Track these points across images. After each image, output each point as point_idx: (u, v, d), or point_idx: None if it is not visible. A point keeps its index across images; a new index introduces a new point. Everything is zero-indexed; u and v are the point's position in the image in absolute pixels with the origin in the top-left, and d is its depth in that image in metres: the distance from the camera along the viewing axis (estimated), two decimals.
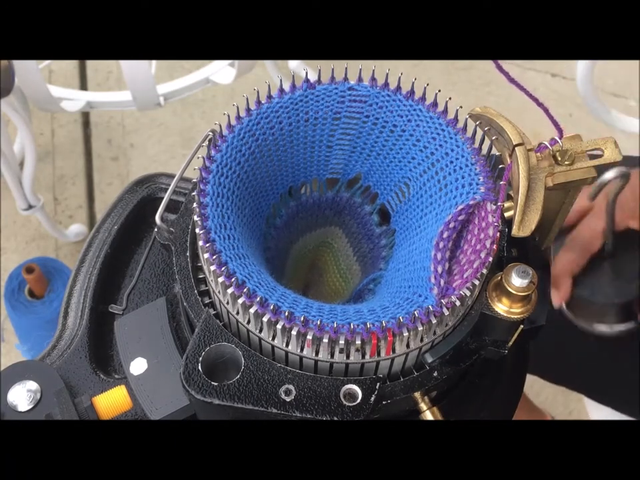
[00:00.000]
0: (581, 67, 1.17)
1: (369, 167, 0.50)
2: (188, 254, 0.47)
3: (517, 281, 0.43)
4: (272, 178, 0.48)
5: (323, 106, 0.47)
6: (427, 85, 0.47)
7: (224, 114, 0.48)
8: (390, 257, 0.49)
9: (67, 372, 0.51)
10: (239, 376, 0.42)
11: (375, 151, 0.49)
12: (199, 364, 0.42)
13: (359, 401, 0.42)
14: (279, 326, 0.41)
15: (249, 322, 0.43)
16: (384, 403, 0.43)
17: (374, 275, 0.50)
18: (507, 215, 0.46)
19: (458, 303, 0.42)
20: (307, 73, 0.47)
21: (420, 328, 0.41)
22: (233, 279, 0.41)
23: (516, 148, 0.44)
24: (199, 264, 0.46)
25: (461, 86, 1.66)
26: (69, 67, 1.66)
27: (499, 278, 0.44)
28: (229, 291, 0.42)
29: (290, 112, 0.47)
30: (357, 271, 0.53)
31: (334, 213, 0.52)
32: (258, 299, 0.41)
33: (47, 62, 1.52)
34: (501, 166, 0.45)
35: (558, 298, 0.76)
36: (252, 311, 0.41)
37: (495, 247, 0.42)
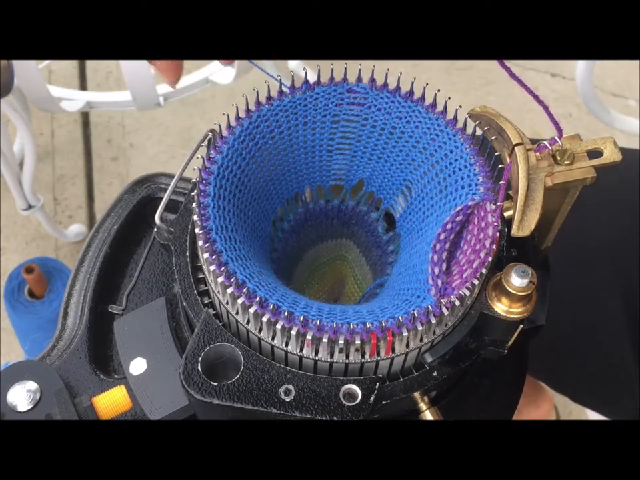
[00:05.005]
0: (580, 66, 1.17)
1: (371, 171, 0.50)
2: (187, 254, 0.47)
3: (517, 280, 0.43)
4: (275, 182, 0.48)
5: (321, 109, 0.47)
6: (427, 85, 0.47)
7: (223, 114, 0.48)
8: (395, 261, 0.49)
9: (66, 372, 0.51)
10: (238, 376, 0.42)
11: (376, 154, 0.49)
12: (199, 364, 0.42)
13: (358, 400, 0.42)
14: (278, 326, 0.41)
15: (248, 322, 0.43)
16: (383, 402, 0.43)
17: (380, 280, 0.50)
18: (506, 214, 0.46)
19: (457, 303, 0.42)
20: (306, 74, 0.47)
21: (419, 328, 0.41)
22: (232, 279, 0.41)
23: (515, 148, 0.44)
24: (199, 264, 0.46)
25: (460, 86, 1.66)
26: (68, 67, 1.66)
27: (499, 278, 0.44)
28: (229, 291, 0.42)
29: (289, 115, 0.47)
30: (370, 280, 0.53)
31: (342, 223, 0.52)
32: (257, 299, 0.41)
33: (46, 62, 1.52)
34: (500, 166, 0.45)
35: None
36: (251, 311, 0.41)
37: (494, 246, 0.42)
